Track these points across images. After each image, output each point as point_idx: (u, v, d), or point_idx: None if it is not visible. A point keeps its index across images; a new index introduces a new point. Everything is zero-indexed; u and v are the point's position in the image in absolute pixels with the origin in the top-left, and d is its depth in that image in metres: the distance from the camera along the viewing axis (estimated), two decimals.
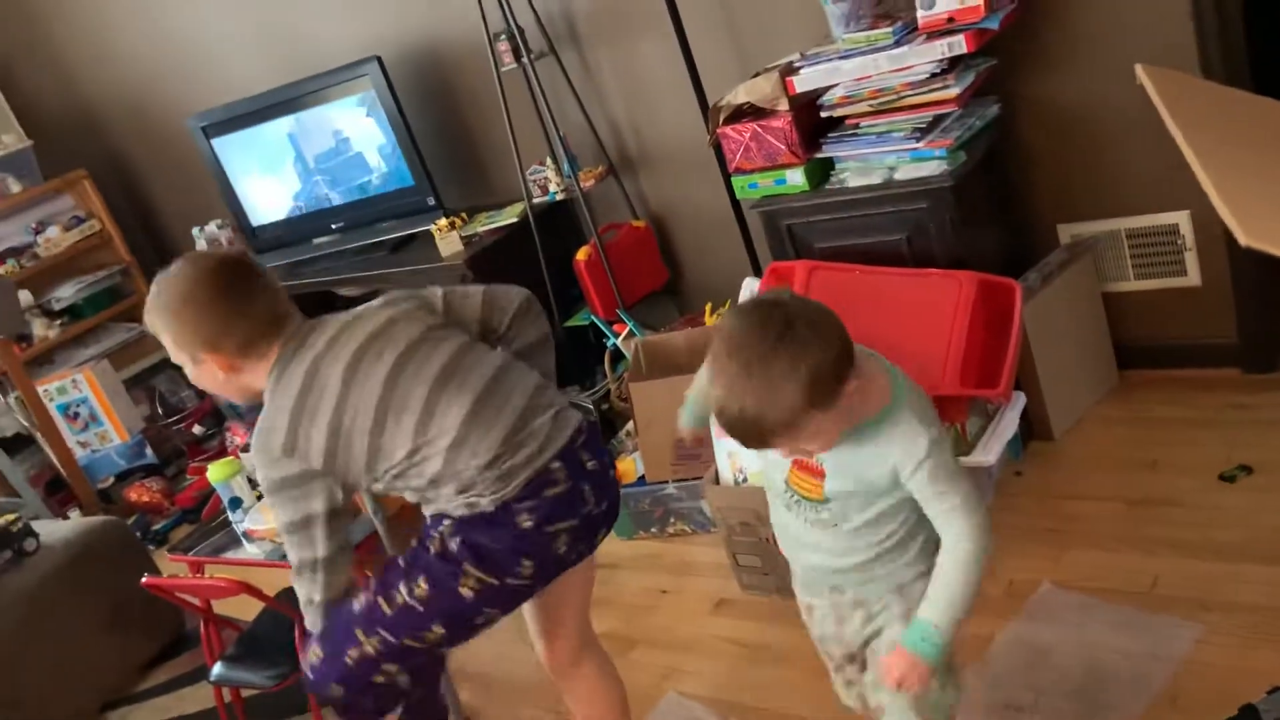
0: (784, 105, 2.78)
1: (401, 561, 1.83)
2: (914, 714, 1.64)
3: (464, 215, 3.85)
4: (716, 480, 2.73)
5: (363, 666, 1.81)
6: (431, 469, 1.75)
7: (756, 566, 2.67)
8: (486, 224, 3.78)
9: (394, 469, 1.76)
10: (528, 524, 1.75)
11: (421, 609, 1.77)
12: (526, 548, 1.76)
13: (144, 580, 2.55)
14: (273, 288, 1.83)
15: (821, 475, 1.54)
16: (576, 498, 1.80)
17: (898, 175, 2.70)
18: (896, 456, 1.47)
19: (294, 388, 1.75)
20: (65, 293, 4.86)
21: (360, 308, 1.91)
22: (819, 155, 2.83)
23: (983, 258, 2.69)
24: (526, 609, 2.04)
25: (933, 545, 1.57)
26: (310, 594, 1.82)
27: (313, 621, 1.85)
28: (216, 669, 2.60)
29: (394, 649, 1.80)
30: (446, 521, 1.79)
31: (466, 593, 1.76)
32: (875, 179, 2.74)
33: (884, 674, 1.55)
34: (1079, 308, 2.88)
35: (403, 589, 1.78)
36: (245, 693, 2.71)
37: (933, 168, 2.64)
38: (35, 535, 3.15)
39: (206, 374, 1.84)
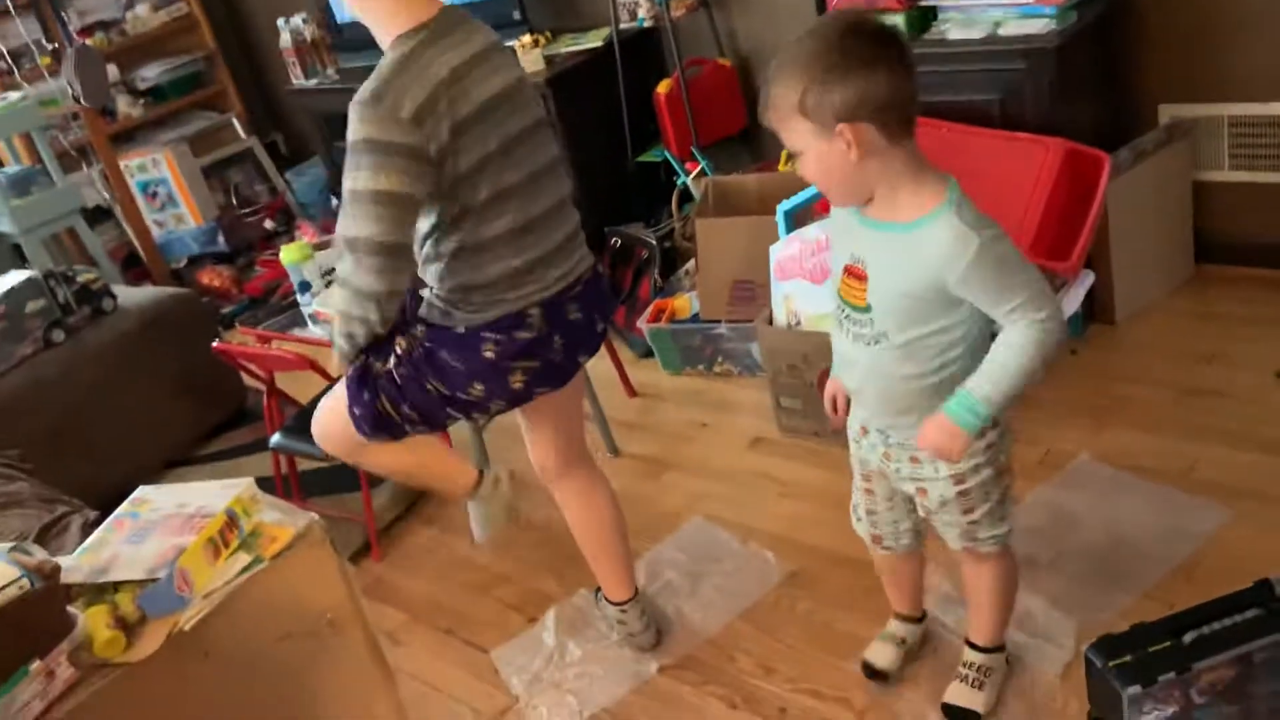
0: None
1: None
2: (967, 542, 1.70)
3: (549, 34, 3.80)
4: (770, 322, 2.76)
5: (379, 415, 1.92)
6: (456, 242, 1.77)
7: (797, 409, 2.73)
8: (571, 45, 3.72)
9: (447, 210, 1.75)
10: (489, 355, 1.83)
11: (399, 389, 1.87)
12: (480, 375, 1.84)
13: (215, 345, 2.68)
14: None
15: (865, 279, 1.53)
16: (544, 345, 1.86)
17: (1001, 31, 2.61)
18: (943, 256, 1.41)
19: (419, 73, 1.67)
20: (150, 73, 4.91)
21: (489, 39, 1.80)
22: (923, 3, 2.73)
23: (1076, 129, 2.61)
24: (520, 420, 2.13)
25: None
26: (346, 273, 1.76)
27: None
28: (276, 437, 2.75)
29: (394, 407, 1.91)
30: (420, 327, 1.88)
31: (431, 391, 1.87)
32: (977, 33, 2.64)
33: (920, 439, 1.55)
34: (1167, 192, 2.80)
35: (391, 364, 1.88)
36: (300, 466, 2.87)
37: (1039, 26, 2.54)
38: (114, 296, 3.30)
39: None
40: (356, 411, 1.90)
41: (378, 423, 1.91)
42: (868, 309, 1.54)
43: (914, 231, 1.45)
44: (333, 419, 1.99)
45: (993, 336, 1.51)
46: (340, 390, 1.95)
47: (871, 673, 1.97)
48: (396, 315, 1.84)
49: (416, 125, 1.63)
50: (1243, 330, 2.67)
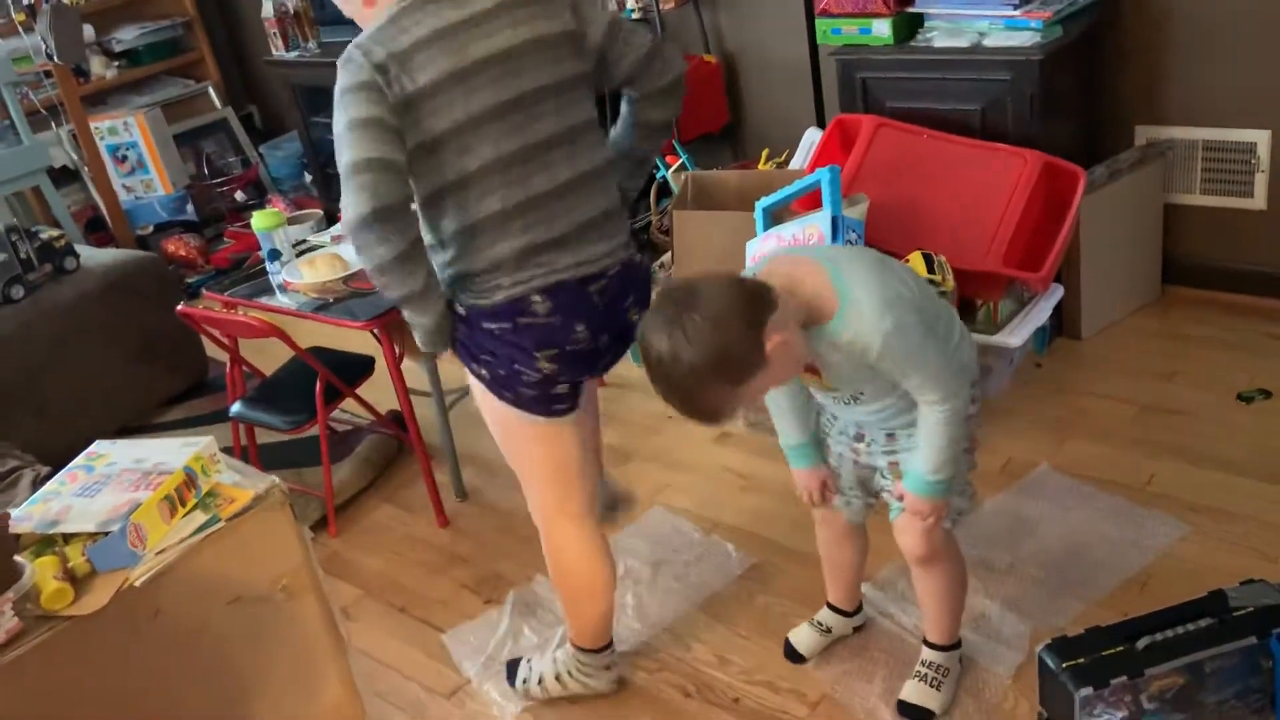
0: None
1: None
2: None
3: None
4: None
5: None
6: (452, 224, 1.69)
7: (762, 406, 2.73)
8: None
9: (428, 181, 1.67)
10: (498, 339, 1.74)
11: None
12: (509, 358, 1.75)
13: (179, 308, 2.63)
14: None
15: (818, 373, 1.60)
16: (562, 333, 1.73)
17: (986, 42, 2.63)
18: (859, 348, 1.50)
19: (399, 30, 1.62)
20: (127, 35, 4.82)
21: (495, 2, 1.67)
22: (910, 9, 2.75)
23: (1054, 144, 2.64)
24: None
25: None
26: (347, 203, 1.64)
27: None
28: (236, 406, 2.71)
29: None
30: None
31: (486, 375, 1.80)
32: (963, 42, 2.67)
33: (910, 515, 1.70)
34: (1139, 212, 2.84)
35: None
36: (260, 439, 2.83)
37: (1024, 39, 2.56)
38: (76, 256, 3.23)
39: None
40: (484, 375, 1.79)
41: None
42: (834, 389, 1.64)
43: (835, 331, 1.50)
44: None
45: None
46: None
47: (790, 653, 2.03)
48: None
49: (381, 71, 1.59)
50: (1206, 353, 2.71)
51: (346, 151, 1.62)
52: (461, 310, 1.76)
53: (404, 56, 1.60)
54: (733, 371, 1.41)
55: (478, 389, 1.84)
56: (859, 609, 2.05)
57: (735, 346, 1.39)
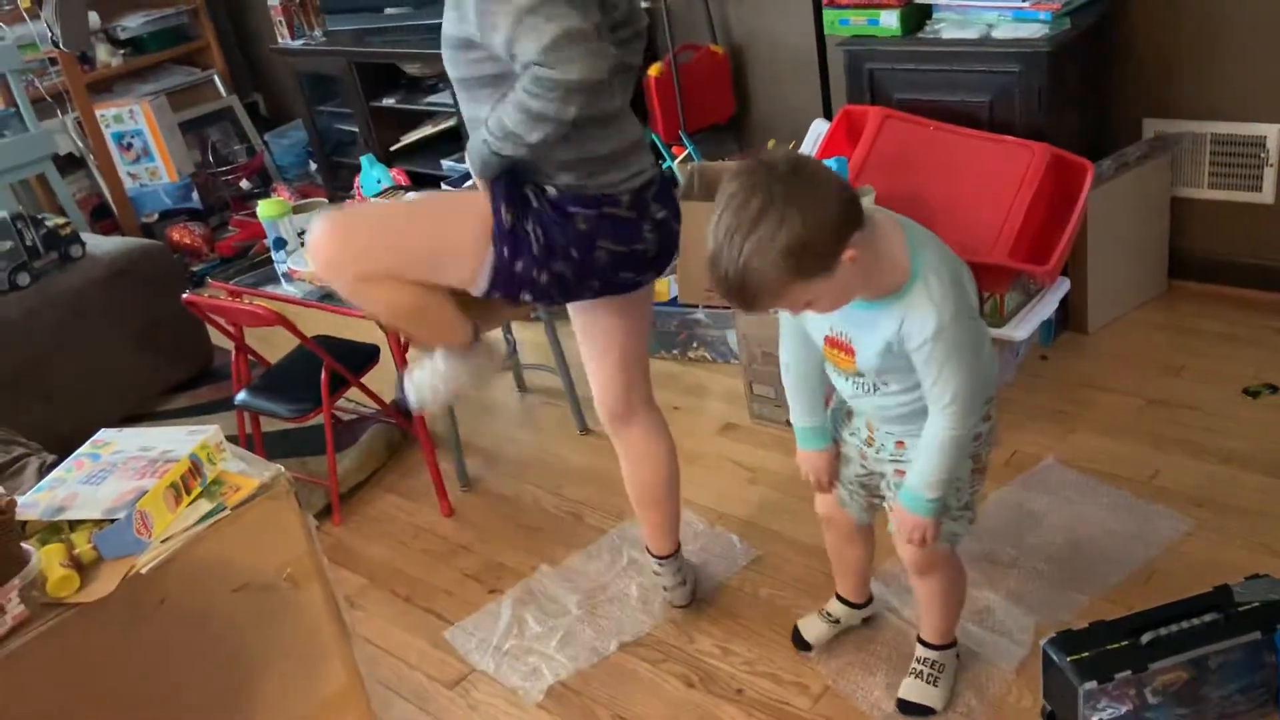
0: None
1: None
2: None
3: None
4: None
5: None
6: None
7: (769, 397, 2.73)
8: None
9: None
10: (582, 227, 1.77)
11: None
12: (572, 243, 1.76)
13: (185, 296, 2.63)
14: None
15: (851, 351, 1.57)
16: (634, 230, 1.80)
17: (995, 33, 2.62)
18: (908, 332, 1.47)
19: None
20: (132, 23, 4.82)
21: None
22: (918, 1, 2.74)
23: (1061, 136, 2.63)
24: (584, 353, 2.06)
25: None
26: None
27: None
28: (241, 395, 2.71)
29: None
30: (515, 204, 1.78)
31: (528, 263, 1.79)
32: (971, 33, 2.66)
33: (898, 529, 1.68)
34: (1146, 205, 2.83)
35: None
36: (265, 427, 2.83)
37: (1033, 30, 2.55)
38: (82, 243, 3.23)
39: None
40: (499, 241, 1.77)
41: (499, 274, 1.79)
42: (859, 373, 1.60)
43: (891, 306, 1.48)
44: (356, 236, 1.85)
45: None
46: (383, 209, 1.87)
47: (798, 641, 2.04)
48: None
49: None
50: (1212, 346, 2.70)
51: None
52: (554, 191, 1.76)
53: None
54: (805, 262, 1.34)
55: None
56: (869, 601, 2.05)
57: (820, 239, 1.34)
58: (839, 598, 2.04)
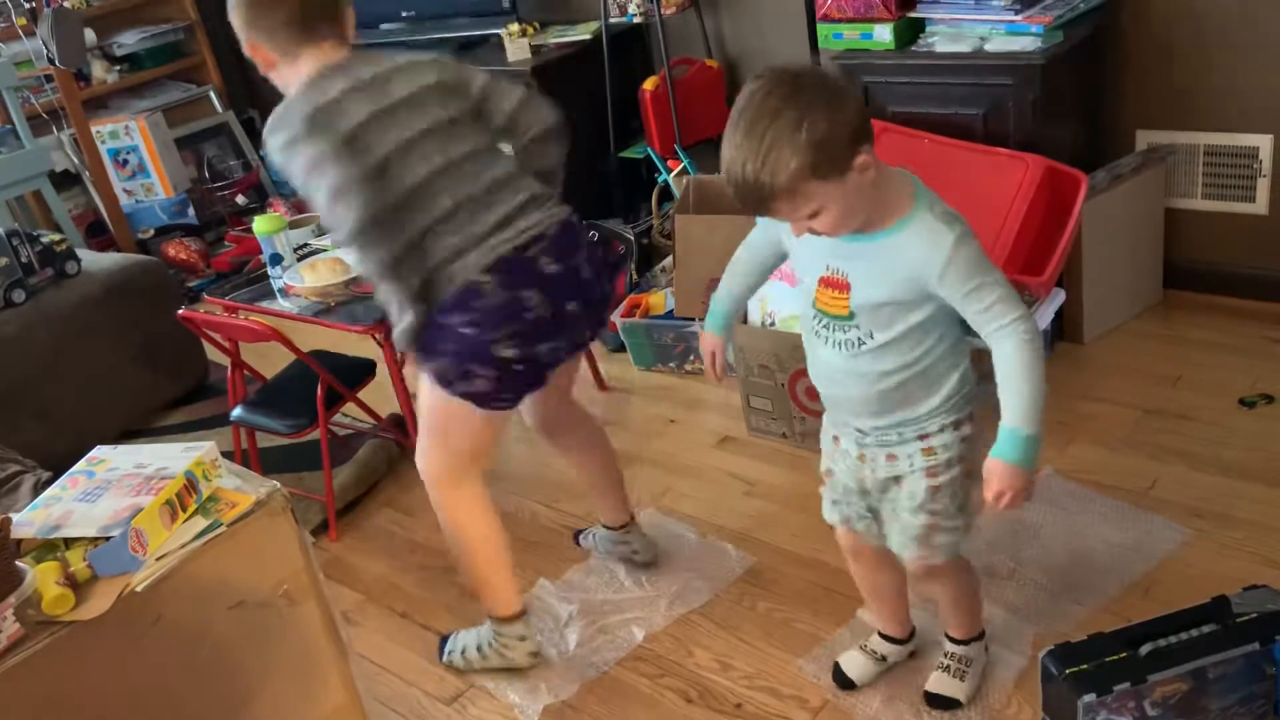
0: None
1: None
2: (921, 549, 1.68)
3: (537, 24, 3.79)
4: (744, 320, 2.76)
5: None
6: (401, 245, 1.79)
7: (766, 410, 2.73)
8: (558, 36, 3.71)
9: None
10: (466, 331, 1.80)
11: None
12: (467, 354, 1.82)
13: (181, 312, 2.63)
14: None
15: (846, 288, 1.54)
16: (513, 306, 1.80)
17: (988, 46, 2.63)
18: (922, 255, 1.44)
19: (318, 97, 1.80)
20: (128, 39, 4.82)
21: (408, 59, 1.90)
22: (912, 14, 2.75)
23: (1055, 148, 2.64)
24: None
25: (961, 398, 1.60)
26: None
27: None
28: (237, 410, 2.71)
29: None
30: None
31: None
32: (964, 47, 2.67)
33: (985, 487, 1.52)
34: (1140, 216, 2.84)
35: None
36: (261, 443, 2.83)
37: (1026, 44, 2.57)
38: (78, 260, 3.23)
39: (259, 59, 1.89)
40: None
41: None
42: (850, 316, 1.55)
43: (893, 236, 1.47)
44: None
45: (961, 321, 1.54)
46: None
47: (840, 680, 1.95)
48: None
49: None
50: (1208, 357, 2.71)
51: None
52: (433, 311, 1.83)
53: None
54: (822, 157, 1.34)
55: (425, 381, 1.92)
56: (912, 634, 1.97)
57: (838, 136, 1.35)
58: (883, 636, 1.96)
